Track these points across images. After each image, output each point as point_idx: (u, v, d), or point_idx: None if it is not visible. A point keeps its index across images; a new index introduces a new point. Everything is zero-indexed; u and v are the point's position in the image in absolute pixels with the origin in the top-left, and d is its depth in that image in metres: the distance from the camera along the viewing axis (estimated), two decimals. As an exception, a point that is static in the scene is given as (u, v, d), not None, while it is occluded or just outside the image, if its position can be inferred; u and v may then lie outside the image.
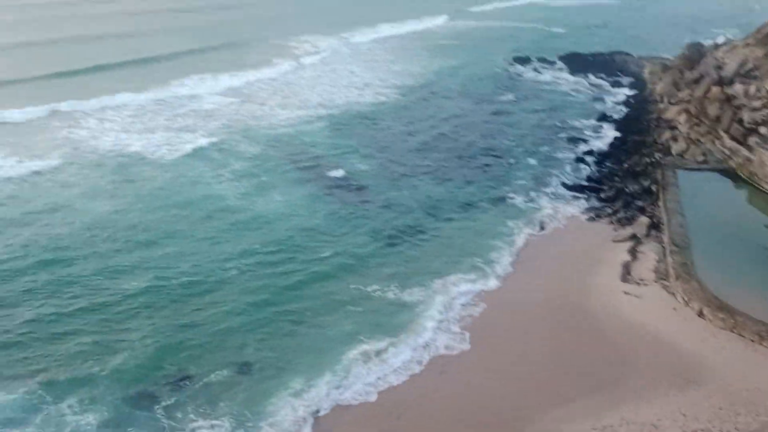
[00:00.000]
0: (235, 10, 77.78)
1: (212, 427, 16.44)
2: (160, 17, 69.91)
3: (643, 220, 26.78)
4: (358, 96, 46.58)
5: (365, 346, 19.28)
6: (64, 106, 40.38)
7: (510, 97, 47.29)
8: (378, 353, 19.03)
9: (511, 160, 34.47)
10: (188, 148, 34.77)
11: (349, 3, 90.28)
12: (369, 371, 18.32)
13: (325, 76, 52.18)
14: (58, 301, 21.02)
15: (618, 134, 38.07)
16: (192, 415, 16.77)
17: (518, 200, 29.45)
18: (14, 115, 38.63)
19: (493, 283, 22.77)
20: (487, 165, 33.84)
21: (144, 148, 34.44)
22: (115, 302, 21.09)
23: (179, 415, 16.78)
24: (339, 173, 32.12)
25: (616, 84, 50.67)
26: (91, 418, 16.54)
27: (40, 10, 68.61)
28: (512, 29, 76.33)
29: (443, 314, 20.84)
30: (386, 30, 73.24)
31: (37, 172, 30.74)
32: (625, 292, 21.90)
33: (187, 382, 17.87)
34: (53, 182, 29.93)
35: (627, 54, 58.42)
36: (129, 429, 16.32)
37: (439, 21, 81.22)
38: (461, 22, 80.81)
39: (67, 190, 29.16)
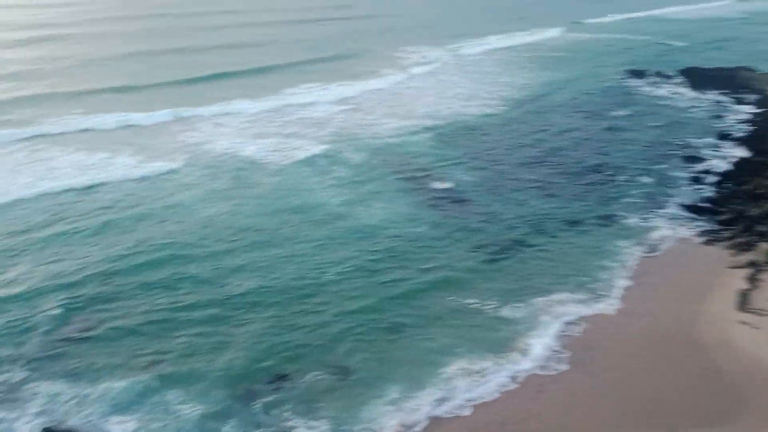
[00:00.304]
0: (347, 22, 79.63)
1: (309, 428, 16.68)
2: (276, 29, 72.56)
3: (764, 246, 25.04)
4: (465, 107, 46.40)
5: (462, 361, 19.00)
6: (184, 111, 42.65)
7: (624, 112, 45.61)
8: (475, 368, 18.70)
9: (623, 178, 33.15)
10: (297, 154, 35.84)
11: (459, 15, 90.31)
12: (465, 385, 18.03)
13: (431, 87, 52.36)
14: (171, 296, 22.07)
15: (740, 154, 35.78)
16: (288, 414, 17.09)
17: (629, 220, 28.25)
18: (141, 118, 41.12)
19: (598, 305, 21.85)
20: (596, 182, 32.73)
21: (255, 153, 35.77)
22: (224, 301, 21.91)
23: (276, 412, 17.16)
24: (442, 184, 32.06)
25: (739, 101, 47.73)
26: (193, 408, 17.23)
27: (169, 21, 72.90)
28: (628, 42, 73.81)
29: (544, 333, 20.21)
30: (496, 42, 72.67)
31: (156, 173, 32.55)
32: (742, 322, 20.47)
33: (286, 382, 18.25)
34: (170, 183, 31.62)
35: (751, 70, 55.05)
36: (228, 421, 16.86)
37: (553, 33, 79.59)
38: (575, 35, 78.91)
39: (183, 191, 30.69)
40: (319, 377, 18.48)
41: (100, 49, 59.31)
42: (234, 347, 19.65)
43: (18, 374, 18.22)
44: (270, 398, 17.66)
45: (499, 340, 20.03)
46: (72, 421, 16.72)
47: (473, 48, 69.08)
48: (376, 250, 25.46)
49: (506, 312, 21.46)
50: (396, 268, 24.23)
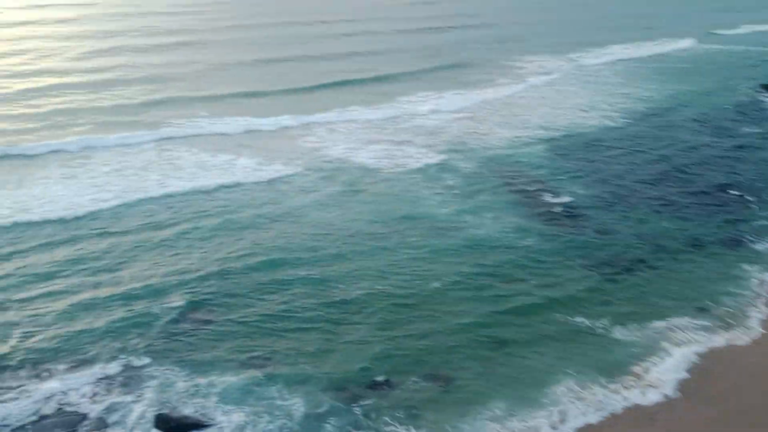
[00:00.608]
0: (466, 30, 79.37)
1: (407, 435, 16.66)
2: (396, 37, 73.44)
3: None
4: (583, 119, 44.97)
5: (571, 382, 18.29)
6: (304, 117, 43.90)
7: (757, 129, 42.61)
8: (585, 391, 17.96)
9: (754, 200, 30.91)
10: (408, 162, 36.02)
11: (582, 24, 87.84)
12: (574, 408, 17.36)
13: (548, 98, 51.14)
14: (282, 298, 22.69)
15: None
16: (387, 419, 17.12)
17: (760, 245, 26.29)
18: (262, 123, 42.75)
19: (725, 333, 20.42)
20: (724, 203, 30.71)
21: (368, 160, 36.28)
22: (332, 305, 22.27)
23: (375, 416, 17.24)
24: (556, 198, 31.15)
25: None
26: (296, 406, 17.62)
27: (295, 29, 75.58)
28: (764, 55, 68.96)
29: (662, 359, 19.12)
30: (620, 52, 69.91)
31: (273, 177, 33.62)
32: None
33: (388, 388, 18.31)
34: (286, 186, 32.57)
35: None
36: (329, 421, 17.10)
37: (684, 44, 75.18)
38: (707, 46, 74.62)
39: (298, 195, 31.53)
40: (421, 386, 18.40)
41: (228, 56, 62.28)
42: (339, 350, 19.95)
43: (138, 361, 19.32)
44: (371, 402, 17.76)
45: (612, 363, 19.14)
46: (183, 409, 17.54)
47: (595, 58, 66.83)
48: (484, 263, 25.09)
49: (621, 334, 20.49)
50: (504, 282, 23.77)
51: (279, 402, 17.85)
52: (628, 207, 30.28)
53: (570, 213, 29.68)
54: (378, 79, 55.24)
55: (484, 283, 23.78)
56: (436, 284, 23.60)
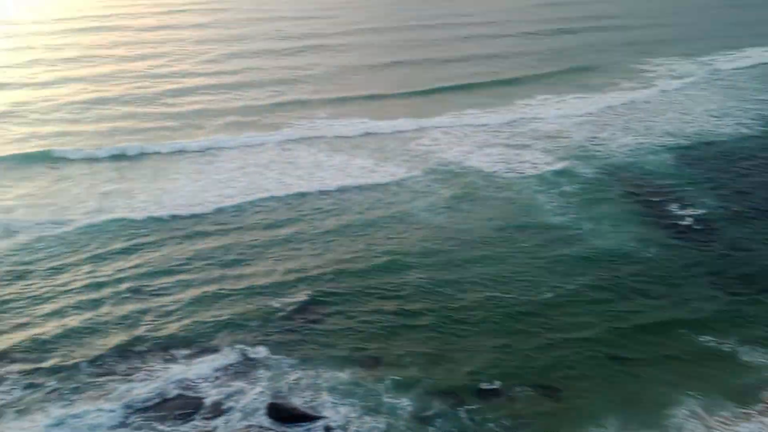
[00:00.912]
0: (594, 33, 76.76)
1: (513, 443, 16.38)
2: (521, 40, 72.13)
3: None
4: (715, 126, 42.31)
5: (694, 404, 17.32)
6: (421, 120, 44.06)
7: None
8: (710, 416, 16.92)
9: None
10: (525, 167, 35.34)
11: (717, 26, 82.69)
12: (687, 428, 16.41)
13: (678, 103, 48.48)
14: (394, 301, 22.94)
15: None
16: (493, 426, 17.00)
17: None
18: (381, 125, 43.26)
19: None
20: None
21: (484, 165, 35.92)
22: (443, 311, 22.29)
23: (481, 422, 17.16)
24: (683, 210, 29.51)
25: None
26: (403, 405, 17.88)
27: (419, 33, 76.16)
28: None
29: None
30: (758, 56, 65.15)
31: (387, 180, 33.89)
32: None
33: (496, 395, 18.16)
34: (400, 189, 32.77)
35: None
36: (435, 423, 17.23)
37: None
38: None
39: (411, 198, 31.66)
40: (530, 396, 18.07)
41: (351, 59, 63.64)
42: (449, 355, 19.96)
43: (254, 352, 20.21)
44: (478, 408, 17.67)
45: (741, 388, 17.95)
46: (294, 399, 18.15)
47: (730, 62, 62.64)
48: (602, 275, 24.24)
49: (752, 357, 19.17)
50: (623, 297, 22.87)
51: (386, 401, 18.10)
52: (764, 222, 28.19)
53: (698, 226, 28.05)
54: (498, 83, 54.48)
55: (602, 296, 22.97)
56: (551, 295, 23.04)
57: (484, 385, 18.55)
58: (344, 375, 19.15)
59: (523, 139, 40.56)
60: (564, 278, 24.09)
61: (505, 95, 50.48)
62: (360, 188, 32.96)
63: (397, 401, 18.04)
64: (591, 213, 29.58)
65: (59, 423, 17.27)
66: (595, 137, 40.76)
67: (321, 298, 23.01)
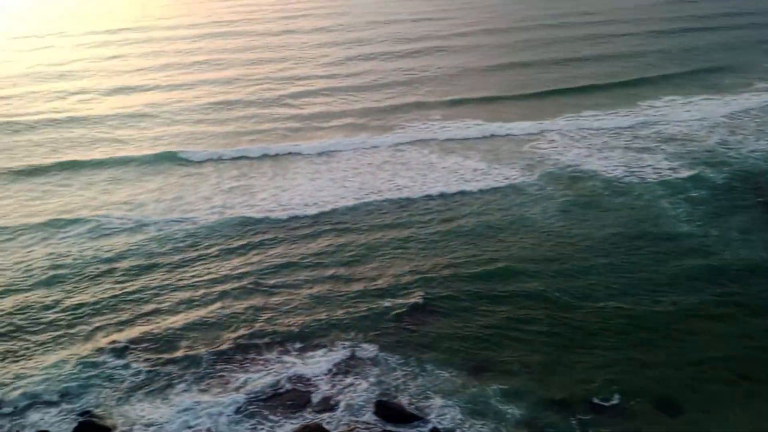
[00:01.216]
0: (724, 32, 72.24)
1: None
2: (644, 40, 68.99)
3: None
4: None
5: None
6: (537, 122, 43.14)
7: None
8: None
9: None
10: (646, 172, 33.77)
11: None
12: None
13: (823, 106, 44.67)
14: (507, 308, 22.55)
15: None
16: (605, 438, 16.44)
17: None
18: (496, 128, 42.60)
19: None
20: None
21: (600, 168, 34.66)
22: (559, 320, 21.78)
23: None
24: (826, 220, 27.20)
25: None
26: (511, 412, 17.71)
27: (535, 33, 74.74)
28: None
29: None
30: None
31: (503, 184, 33.32)
32: None
33: (610, 409, 17.57)
34: (516, 194, 32.08)
35: None
36: (545, 430, 17.01)
37: None
38: None
39: (527, 203, 30.95)
40: (647, 412, 17.34)
41: (468, 61, 63.30)
42: (562, 366, 19.49)
43: (365, 349, 20.62)
44: (587, 417, 17.29)
45: None
46: (401, 399, 18.31)
47: None
48: (732, 290, 22.83)
49: None
50: (754, 313, 21.49)
51: (494, 407, 17.91)
52: None
53: (843, 239, 25.75)
54: (620, 84, 52.34)
55: (730, 311, 21.61)
56: (674, 308, 21.94)
57: (600, 399, 17.95)
58: (452, 378, 19.12)
59: (646, 143, 38.77)
60: (689, 291, 22.84)
61: (627, 97, 48.47)
62: (473, 191, 32.69)
63: (506, 408, 17.81)
64: (720, 222, 27.84)
65: (186, 409, 18.38)
66: (725, 141, 38.31)
67: (432, 301, 23.07)
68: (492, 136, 41.63)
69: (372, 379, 19.30)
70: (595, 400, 17.93)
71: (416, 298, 23.21)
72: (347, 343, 20.95)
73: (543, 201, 31.12)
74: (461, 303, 22.96)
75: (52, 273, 25.92)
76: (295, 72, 62.88)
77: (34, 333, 22.19)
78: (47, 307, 23.60)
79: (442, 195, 32.41)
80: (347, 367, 19.94)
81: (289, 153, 39.72)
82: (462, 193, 32.56)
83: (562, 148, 38.50)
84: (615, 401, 17.86)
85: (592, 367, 19.39)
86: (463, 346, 20.62)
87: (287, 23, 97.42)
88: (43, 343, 21.65)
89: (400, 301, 23.15)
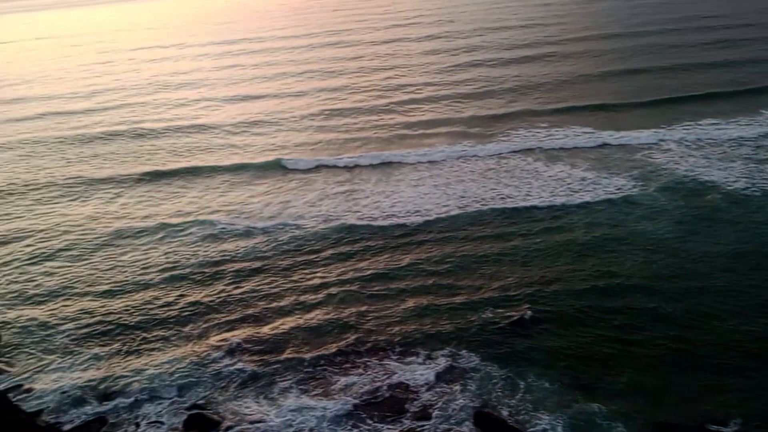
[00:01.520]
0: None
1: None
2: (761, 45, 64.79)
3: None
4: None
5: None
6: (651, 131, 41.34)
7: None
8: None
9: None
10: (770, 183, 31.67)
11: None
12: None
13: None
14: (618, 326, 21.68)
15: None
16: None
17: None
18: (609, 136, 41.12)
19: None
20: None
21: (720, 179, 32.66)
22: (674, 342, 20.70)
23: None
24: None
25: None
26: (619, 430, 17.18)
27: (652, 39, 71.89)
28: None
29: None
30: None
31: (616, 195, 31.96)
32: None
33: (724, 431, 16.46)
34: (629, 206, 30.66)
35: None
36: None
37: None
38: None
39: (642, 217, 29.51)
40: None
41: (579, 68, 61.64)
42: (673, 390, 18.60)
43: (465, 358, 20.48)
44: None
45: None
46: (502, 410, 18.03)
47: None
48: None
49: None
50: None
51: (600, 426, 17.33)
52: None
53: None
54: (743, 92, 49.23)
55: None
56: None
57: (715, 424, 16.93)
58: (557, 394, 18.62)
59: (771, 153, 36.24)
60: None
61: (750, 105, 45.50)
62: (581, 202, 31.66)
63: (613, 429, 17.19)
64: None
65: (291, 409, 18.95)
66: None
67: (536, 315, 22.50)
68: (603, 145, 40.21)
69: (472, 390, 19.13)
70: (712, 426, 16.92)
71: (521, 311, 22.75)
72: (449, 352, 20.86)
73: (657, 214, 29.70)
74: (568, 318, 22.28)
75: (167, 273, 27.46)
76: (403, 80, 63.50)
77: (150, 329, 23.57)
78: (162, 306, 25.01)
79: (548, 205, 31.61)
80: (448, 376, 19.85)
81: (394, 161, 40.06)
82: (569, 203, 31.61)
83: (679, 158, 36.63)
84: (734, 427, 16.84)
85: (708, 390, 18.35)
86: (570, 362, 20.02)
87: (396, 31, 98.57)
88: (158, 339, 22.95)
89: (504, 312, 22.79)
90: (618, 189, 32.74)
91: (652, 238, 27.51)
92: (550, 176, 35.37)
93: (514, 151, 40.00)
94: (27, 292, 26.81)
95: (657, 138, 40.45)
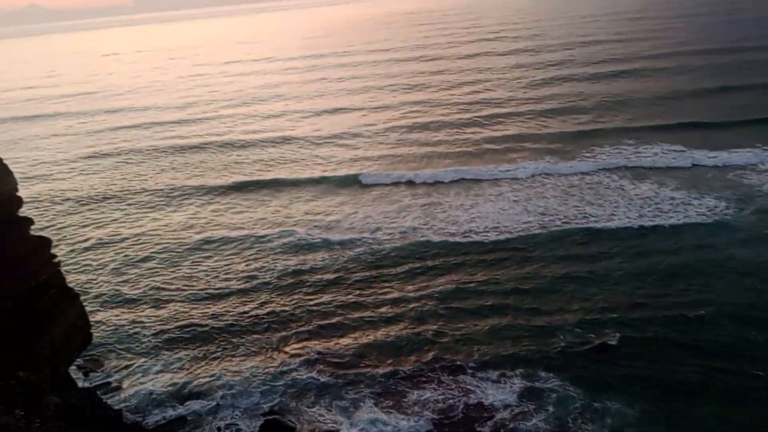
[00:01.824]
0: None
1: None
2: None
3: None
4: None
5: None
6: (751, 152, 39.24)
7: None
8: None
9: None
10: None
11: None
12: None
13: None
14: (702, 355, 20.70)
15: None
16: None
17: None
18: (701, 156, 39.39)
19: None
20: None
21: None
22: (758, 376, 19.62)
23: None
24: None
25: None
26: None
27: (750, 55, 68.74)
28: None
29: None
30: None
31: (702, 217, 30.56)
32: None
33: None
34: (721, 230, 29.21)
35: None
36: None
37: None
38: None
39: (733, 242, 28.10)
40: None
41: (674, 84, 59.58)
42: (760, 426, 17.56)
43: (545, 383, 19.99)
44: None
45: None
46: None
47: None
48: None
49: None
50: None
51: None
52: None
53: None
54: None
55: None
56: None
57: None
58: (636, 423, 17.92)
59: None
60: None
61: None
62: (670, 224, 30.35)
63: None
64: None
65: (365, 422, 19.03)
66: None
67: (620, 341, 21.68)
68: (694, 164, 38.55)
69: (549, 412, 18.69)
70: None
71: (605, 335, 21.99)
72: (527, 373, 20.44)
73: (751, 238, 28.15)
74: (653, 344, 21.37)
75: (248, 283, 28.18)
76: (486, 94, 63.19)
77: (231, 335, 24.25)
78: (243, 313, 25.70)
79: (634, 226, 30.49)
80: (525, 397, 19.45)
81: (475, 177, 39.78)
82: (657, 224, 30.41)
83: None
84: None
85: None
86: (653, 391, 19.21)
87: (480, 46, 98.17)
88: (238, 345, 23.58)
89: (585, 335, 22.14)
90: (709, 210, 31.31)
91: (745, 263, 26.09)
92: (636, 195, 34.25)
93: (600, 169, 38.97)
94: (119, 294, 28.16)
95: (753, 158, 38.46)
